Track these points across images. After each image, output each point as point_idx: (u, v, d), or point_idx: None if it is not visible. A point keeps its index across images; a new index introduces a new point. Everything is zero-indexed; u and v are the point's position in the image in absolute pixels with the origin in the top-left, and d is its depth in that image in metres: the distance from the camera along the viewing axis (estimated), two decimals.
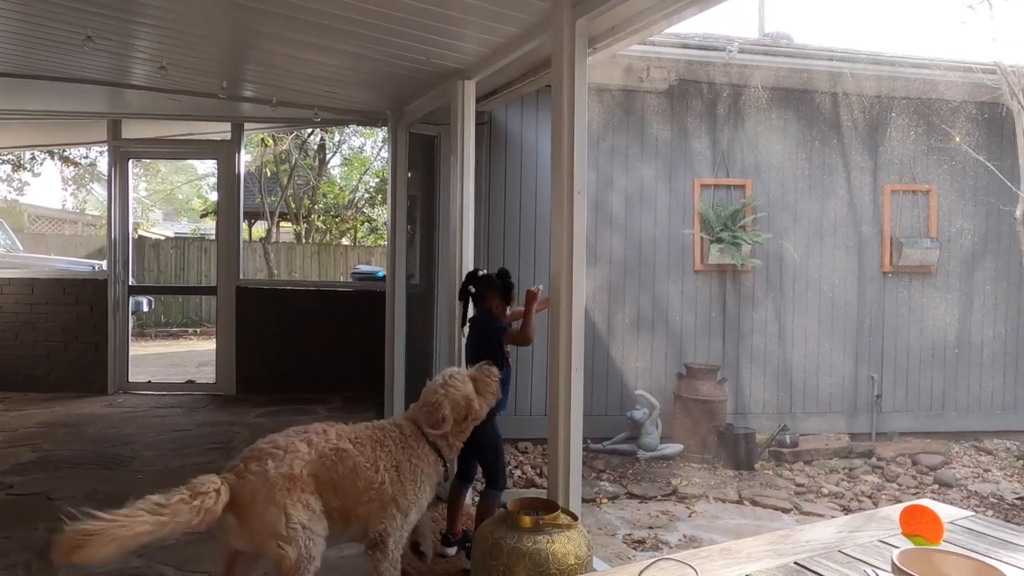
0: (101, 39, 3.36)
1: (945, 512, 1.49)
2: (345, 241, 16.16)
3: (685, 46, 5.00)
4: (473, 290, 3.19)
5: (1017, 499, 4.24)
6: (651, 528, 3.64)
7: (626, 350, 5.31)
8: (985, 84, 5.22)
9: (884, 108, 5.62)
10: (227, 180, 6.27)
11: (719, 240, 5.19)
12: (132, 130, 6.35)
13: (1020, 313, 5.88)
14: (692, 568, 0.99)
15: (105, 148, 6.35)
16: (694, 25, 5.87)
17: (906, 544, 1.15)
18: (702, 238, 5.33)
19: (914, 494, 4.33)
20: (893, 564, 0.92)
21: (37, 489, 3.69)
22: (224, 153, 6.29)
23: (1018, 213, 4.44)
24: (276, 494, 2.22)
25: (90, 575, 2.74)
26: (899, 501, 4.22)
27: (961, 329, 5.80)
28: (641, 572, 0.94)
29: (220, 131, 6.60)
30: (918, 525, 1.12)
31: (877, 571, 0.81)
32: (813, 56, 5.26)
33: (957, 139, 4.97)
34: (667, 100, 5.37)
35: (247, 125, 6.42)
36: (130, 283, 6.31)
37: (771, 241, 5.45)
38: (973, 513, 1.48)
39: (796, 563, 1.17)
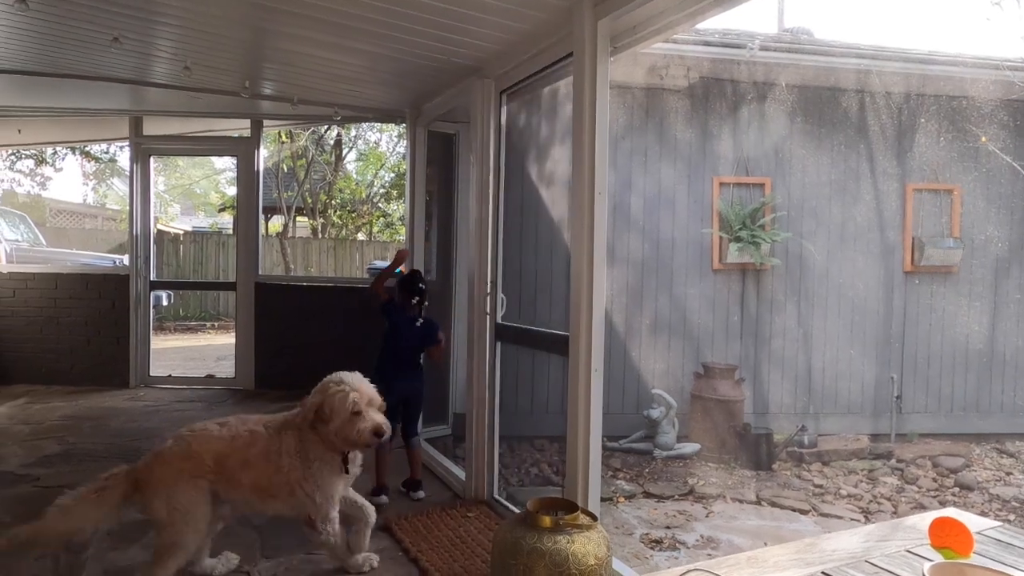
0: (127, 39, 3.40)
1: (973, 522, 1.48)
2: (361, 236, 16.25)
3: (706, 43, 4.97)
4: (423, 287, 3.75)
5: None
6: (668, 528, 3.64)
7: (643, 349, 5.30)
8: (1013, 82, 5.14)
9: (911, 107, 5.55)
10: (246, 177, 6.33)
11: (738, 239, 5.16)
12: (153, 127, 6.42)
13: None
14: None
15: (126, 144, 6.42)
16: (715, 21, 5.82)
17: (935, 556, 1.14)
18: (721, 237, 5.30)
19: (934, 496, 4.29)
20: None
21: (63, 482, 3.75)
22: (243, 150, 6.35)
23: None
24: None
25: (116, 567, 2.79)
26: (919, 504, 4.18)
27: (986, 331, 5.73)
28: None
29: (239, 128, 6.66)
30: (947, 537, 1.12)
31: None
32: (837, 53, 5.20)
33: (984, 139, 4.89)
34: (687, 98, 5.34)
35: (266, 122, 6.47)
36: (151, 278, 6.40)
37: (791, 240, 5.41)
38: (1002, 523, 1.47)
39: (824, 573, 1.17)
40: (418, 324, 3.73)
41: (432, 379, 4.83)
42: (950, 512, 1.38)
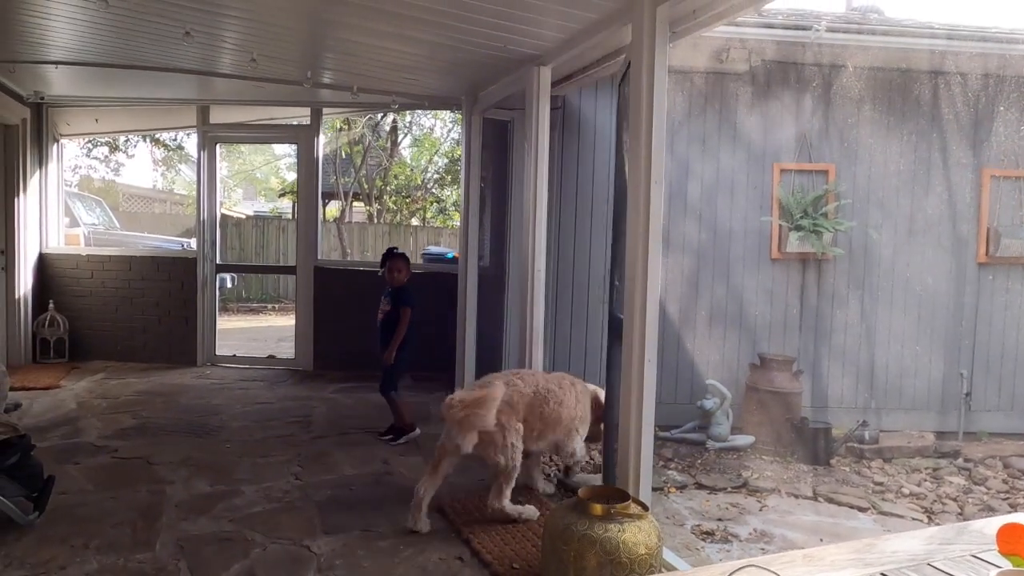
0: (197, 32, 3.54)
1: None
2: (415, 221, 16.47)
3: (769, 26, 4.81)
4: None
5: None
6: (720, 520, 3.61)
7: (698, 338, 5.24)
8: None
9: (989, 91, 5.26)
10: (306, 163, 6.50)
11: (799, 228, 5.02)
12: (218, 115, 6.65)
13: None
14: (774, 574, 0.99)
15: (194, 132, 6.68)
16: (779, 2, 5.63)
17: (1002, 563, 1.11)
18: (781, 225, 5.16)
19: (1004, 499, 4.11)
20: None
21: (139, 454, 3.99)
22: (304, 137, 6.51)
23: None
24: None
25: (187, 536, 2.95)
26: (987, 506, 4.02)
27: None
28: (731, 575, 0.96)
29: (300, 115, 6.84)
30: (1017, 544, 1.08)
31: None
32: (909, 33, 4.96)
33: None
34: (748, 82, 5.20)
35: (325, 110, 6.62)
36: (217, 261, 6.66)
37: (855, 229, 5.22)
38: None
39: (883, 574, 1.15)
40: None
41: (484, 364, 4.90)
42: (1021, 518, 1.34)
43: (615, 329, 3.18)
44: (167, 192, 19.59)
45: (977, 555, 1.25)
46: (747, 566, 1.01)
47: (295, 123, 7.06)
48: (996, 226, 5.31)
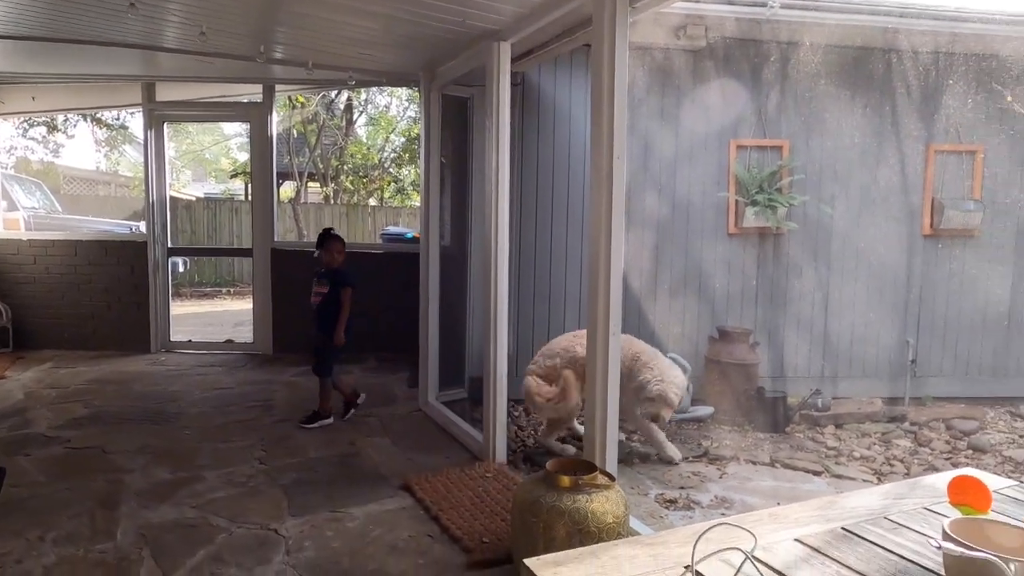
0: (142, 3, 3.38)
1: (991, 481, 1.51)
2: (372, 202, 16.23)
3: (727, 1, 4.85)
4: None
5: None
6: (682, 488, 3.71)
7: (659, 312, 5.32)
8: None
9: (939, 67, 5.42)
10: (260, 142, 6.33)
11: (754, 203, 5.13)
12: (165, 93, 6.40)
13: None
14: (749, 532, 1.03)
15: (139, 111, 6.42)
16: None
17: (952, 513, 1.17)
18: (737, 201, 5.26)
19: (947, 459, 4.33)
20: (944, 532, 0.95)
21: (93, 443, 3.88)
22: (256, 115, 6.33)
23: None
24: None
25: (149, 524, 2.89)
26: (931, 466, 4.22)
27: (1006, 294, 5.69)
28: (699, 537, 0.98)
29: (252, 93, 6.63)
30: (966, 495, 1.14)
31: (938, 540, 0.84)
32: (863, 11, 5.06)
33: (1009, 98, 4.78)
34: (707, 59, 5.25)
35: (278, 87, 6.44)
36: (168, 245, 6.46)
37: (808, 204, 5.36)
38: (1018, 482, 1.49)
39: (843, 528, 1.20)
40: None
41: (448, 344, 4.89)
42: (969, 471, 1.41)
43: None
44: (111, 174, 18.83)
45: (929, 507, 1.32)
46: (719, 524, 1.04)
47: (247, 100, 6.85)
48: (940, 199, 5.51)
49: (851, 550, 1.11)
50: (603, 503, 2.41)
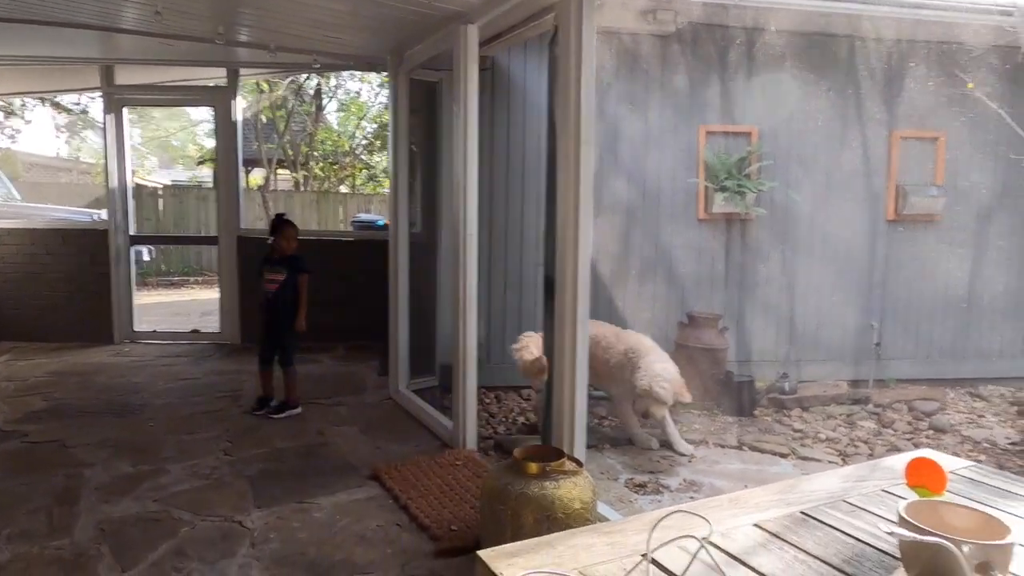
0: None
1: (947, 462, 1.53)
2: (344, 189, 16.02)
3: None
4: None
5: (1010, 444, 4.33)
6: (652, 473, 3.74)
7: (628, 298, 5.34)
8: (1003, 28, 5.08)
9: (901, 53, 5.48)
10: (224, 127, 6.18)
11: (723, 189, 5.15)
12: (125, 76, 6.21)
13: None
14: (704, 519, 1.02)
15: (98, 95, 6.22)
16: None
17: (910, 495, 1.18)
18: (707, 187, 5.28)
19: (909, 439, 4.42)
20: (899, 516, 0.95)
21: (52, 437, 3.77)
22: (221, 100, 6.18)
23: None
24: None
25: (109, 519, 2.82)
26: (894, 446, 4.31)
27: (966, 278, 5.82)
28: (654, 525, 0.97)
29: (216, 77, 6.46)
30: (922, 477, 1.15)
31: (891, 528, 0.84)
32: None
33: (970, 85, 4.86)
34: (676, 44, 5.23)
35: (243, 71, 6.28)
36: (131, 233, 6.30)
37: (776, 190, 5.40)
38: (973, 463, 1.52)
39: (802, 512, 1.20)
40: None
41: (419, 331, 4.85)
42: (926, 453, 1.43)
43: (550, 290, 3.23)
44: (73, 160, 18.28)
45: (888, 490, 1.33)
46: (675, 512, 1.04)
47: (211, 85, 6.67)
48: (904, 184, 5.60)
49: (809, 534, 1.11)
50: (571, 489, 2.41)
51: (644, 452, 4.02)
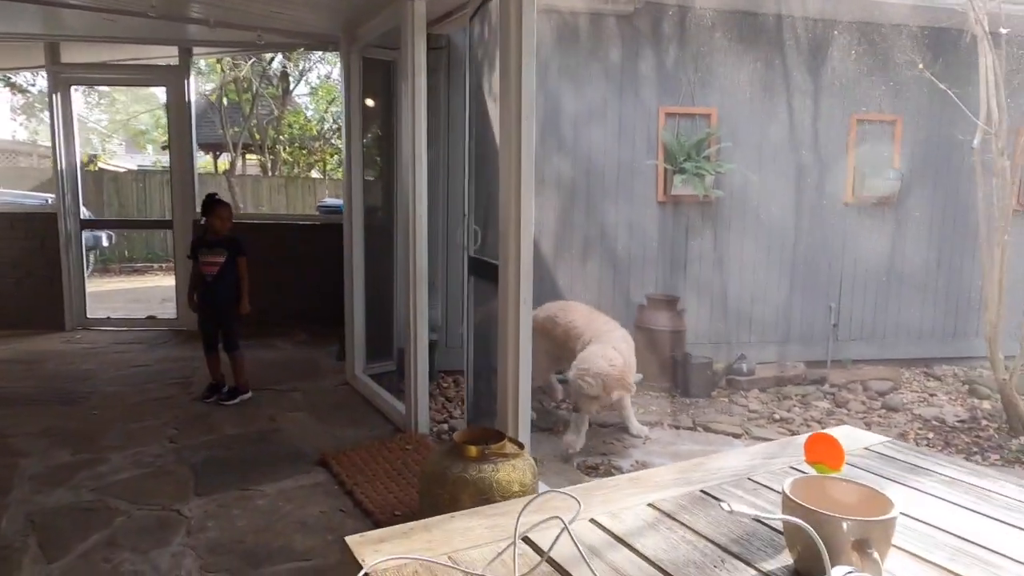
0: None
1: (864, 438, 1.52)
2: (315, 174, 15.76)
3: None
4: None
5: (958, 422, 4.41)
6: (604, 455, 3.73)
7: (588, 281, 5.32)
8: (951, 9, 5.11)
9: (851, 36, 5.48)
10: (177, 108, 6.01)
11: (682, 171, 5.13)
12: (73, 54, 5.99)
13: (979, 245, 5.95)
14: (575, 500, 0.99)
15: (43, 73, 6.00)
16: None
17: (810, 471, 1.16)
18: (666, 169, 5.26)
19: (862, 418, 4.48)
20: (783, 493, 0.93)
21: None
22: (173, 79, 6.00)
23: (976, 143, 4.43)
24: None
25: (40, 510, 2.74)
26: (846, 425, 4.36)
27: (923, 263, 5.89)
28: (524, 507, 0.94)
29: (168, 56, 6.27)
30: (820, 453, 1.13)
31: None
32: None
33: (921, 66, 4.89)
34: (633, 23, 5.18)
35: (196, 50, 6.10)
36: (82, 216, 6.11)
37: (735, 172, 5.40)
38: (890, 439, 1.51)
39: (702, 491, 1.18)
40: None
41: (377, 315, 4.79)
42: (837, 430, 1.42)
43: (475, 270, 3.34)
44: (31, 144, 17.75)
45: (794, 467, 1.31)
46: (548, 493, 1.00)
47: (163, 64, 6.47)
48: (862, 167, 5.63)
49: (704, 513, 1.09)
50: (509, 472, 2.38)
51: (599, 434, 4.01)
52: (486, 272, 3.38)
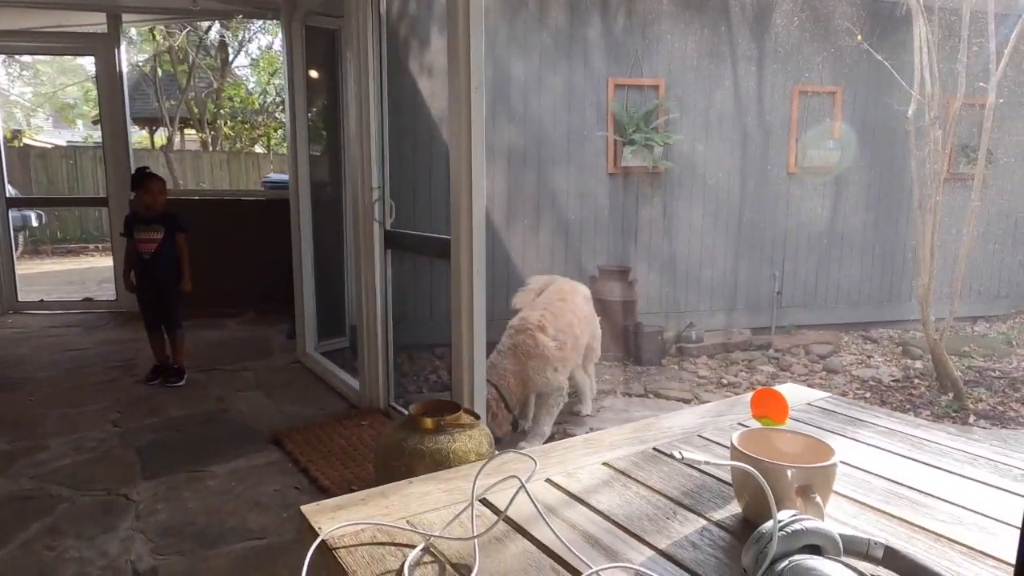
0: None
1: (807, 395, 1.58)
2: (259, 149, 15.28)
3: None
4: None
5: (892, 381, 4.63)
6: (560, 424, 3.79)
7: (540, 252, 5.34)
8: None
9: (794, 3, 5.59)
10: (108, 79, 5.71)
11: (632, 142, 5.17)
12: None
13: (912, 211, 6.22)
14: (532, 459, 1.00)
15: None
16: None
17: (757, 426, 1.20)
18: (615, 140, 5.29)
19: (804, 380, 4.66)
20: (731, 444, 0.96)
21: None
22: (102, 48, 5.69)
23: (910, 113, 4.60)
24: None
25: None
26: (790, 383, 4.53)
27: (861, 230, 6.11)
28: (480, 468, 0.95)
29: (96, 24, 5.93)
30: (766, 408, 1.17)
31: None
32: None
33: (860, 37, 5.02)
34: None
35: (126, 16, 5.79)
36: (8, 195, 5.79)
37: (683, 142, 5.47)
38: (830, 395, 1.57)
39: (654, 449, 1.21)
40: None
41: (327, 292, 4.71)
42: (784, 386, 1.47)
43: (391, 243, 3.51)
44: None
45: (742, 423, 1.36)
46: (505, 452, 1.01)
47: (91, 32, 6.12)
48: (804, 138, 5.78)
49: (656, 470, 1.12)
50: (466, 442, 2.39)
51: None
52: (406, 244, 3.50)
